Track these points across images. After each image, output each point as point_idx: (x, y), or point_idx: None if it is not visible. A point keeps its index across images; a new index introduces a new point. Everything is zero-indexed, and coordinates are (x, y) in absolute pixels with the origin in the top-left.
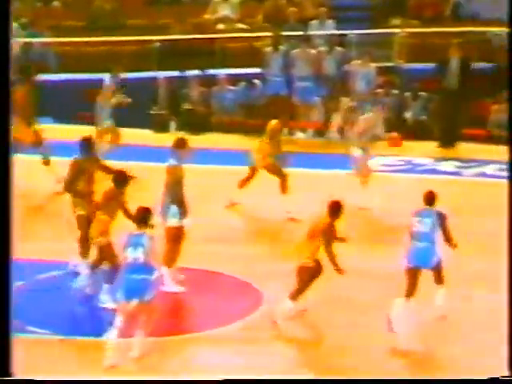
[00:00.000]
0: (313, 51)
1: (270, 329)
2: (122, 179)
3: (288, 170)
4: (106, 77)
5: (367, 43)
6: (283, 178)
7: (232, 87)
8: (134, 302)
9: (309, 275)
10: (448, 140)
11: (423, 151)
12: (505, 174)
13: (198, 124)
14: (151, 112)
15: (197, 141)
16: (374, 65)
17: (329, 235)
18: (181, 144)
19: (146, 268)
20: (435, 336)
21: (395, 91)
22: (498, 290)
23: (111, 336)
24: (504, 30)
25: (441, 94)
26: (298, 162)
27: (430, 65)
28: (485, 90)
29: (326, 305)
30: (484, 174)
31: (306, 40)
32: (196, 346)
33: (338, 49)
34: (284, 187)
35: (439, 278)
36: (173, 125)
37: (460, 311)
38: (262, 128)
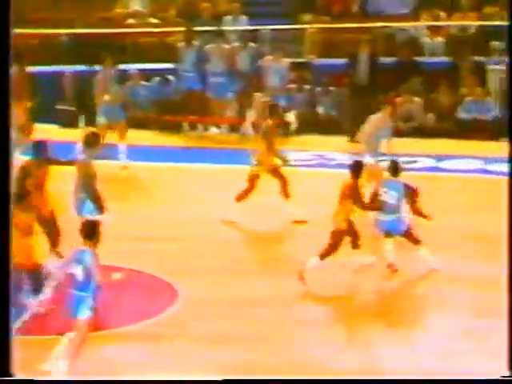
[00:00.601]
0: (226, 46)
1: (183, 326)
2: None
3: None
4: (99, 70)
5: (280, 39)
6: (284, 180)
7: (145, 83)
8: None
9: (339, 237)
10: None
11: (335, 146)
12: (412, 166)
13: None
14: (58, 107)
15: (109, 137)
16: (286, 60)
17: (357, 196)
18: (91, 139)
19: (83, 285)
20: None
21: (307, 86)
22: None
23: None
24: (408, 24)
25: (350, 88)
26: (212, 157)
27: (340, 60)
28: (389, 84)
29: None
30: None
31: (220, 35)
32: (106, 343)
33: (252, 44)
34: (285, 191)
35: (414, 240)
36: (82, 120)
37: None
38: (176, 124)
